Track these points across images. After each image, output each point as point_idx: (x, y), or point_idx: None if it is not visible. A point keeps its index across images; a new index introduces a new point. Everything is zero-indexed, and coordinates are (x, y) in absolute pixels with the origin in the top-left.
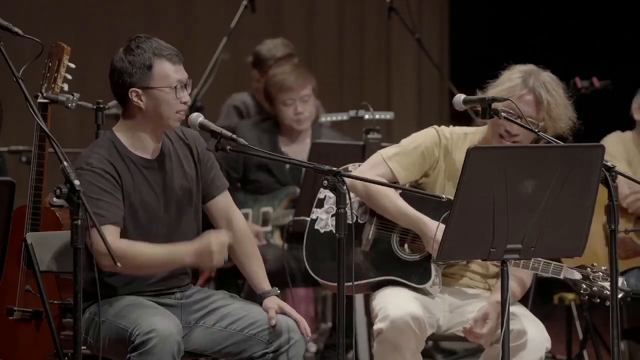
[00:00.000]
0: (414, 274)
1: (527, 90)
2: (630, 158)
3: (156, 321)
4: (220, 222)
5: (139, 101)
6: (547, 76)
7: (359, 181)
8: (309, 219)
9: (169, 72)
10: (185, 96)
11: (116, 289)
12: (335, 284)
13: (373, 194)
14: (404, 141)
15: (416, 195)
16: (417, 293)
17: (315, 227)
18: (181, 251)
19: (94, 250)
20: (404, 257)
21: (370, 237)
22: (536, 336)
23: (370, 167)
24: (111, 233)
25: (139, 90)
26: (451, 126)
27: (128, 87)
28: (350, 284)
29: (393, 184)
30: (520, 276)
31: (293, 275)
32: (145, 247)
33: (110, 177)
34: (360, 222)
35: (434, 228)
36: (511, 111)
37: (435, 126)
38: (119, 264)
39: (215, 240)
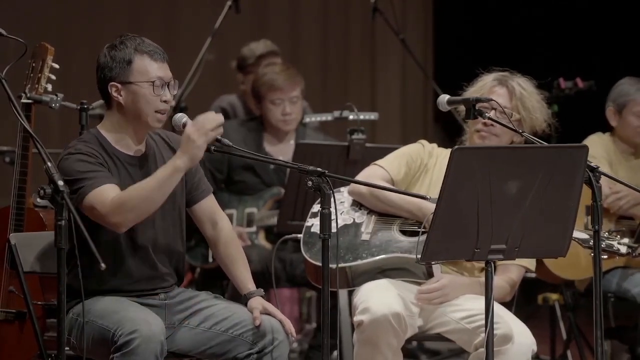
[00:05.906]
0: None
1: (499, 83)
2: (611, 159)
3: (139, 321)
4: (206, 225)
5: (118, 96)
6: (520, 77)
7: (363, 186)
8: (300, 235)
9: (149, 67)
10: (166, 95)
11: (99, 289)
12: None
13: (376, 193)
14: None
15: None
16: (409, 283)
17: (312, 230)
18: (170, 164)
19: (96, 215)
20: (405, 239)
21: (370, 229)
22: (522, 340)
23: (366, 177)
24: (113, 189)
25: (119, 85)
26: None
27: (108, 81)
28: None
29: (382, 184)
30: (511, 276)
31: (277, 276)
32: (135, 185)
33: (99, 161)
34: (358, 222)
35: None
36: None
37: (421, 141)
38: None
39: (192, 129)
